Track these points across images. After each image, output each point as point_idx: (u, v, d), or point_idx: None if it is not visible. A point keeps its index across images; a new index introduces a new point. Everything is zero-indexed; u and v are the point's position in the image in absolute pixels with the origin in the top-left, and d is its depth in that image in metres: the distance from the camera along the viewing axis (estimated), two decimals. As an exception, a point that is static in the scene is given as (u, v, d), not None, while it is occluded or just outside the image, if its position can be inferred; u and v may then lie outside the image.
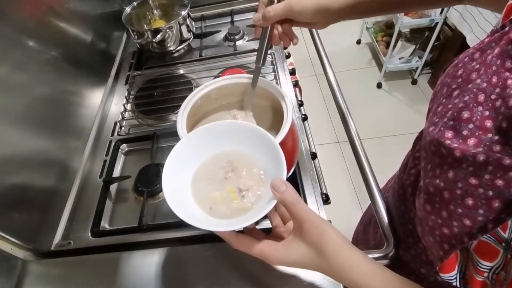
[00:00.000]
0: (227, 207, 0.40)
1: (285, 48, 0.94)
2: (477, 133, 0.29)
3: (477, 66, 0.32)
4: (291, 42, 0.52)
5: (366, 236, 0.70)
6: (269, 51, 0.90)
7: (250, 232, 0.40)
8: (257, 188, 0.40)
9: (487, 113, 0.29)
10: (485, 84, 0.30)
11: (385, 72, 2.12)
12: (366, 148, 0.57)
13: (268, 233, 0.42)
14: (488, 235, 0.29)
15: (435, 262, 0.36)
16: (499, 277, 0.30)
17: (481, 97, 0.30)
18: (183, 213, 0.36)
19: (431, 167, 0.34)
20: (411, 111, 2.04)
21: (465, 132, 0.30)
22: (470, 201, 0.29)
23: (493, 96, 0.29)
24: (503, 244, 0.28)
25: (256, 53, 0.89)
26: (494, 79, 0.29)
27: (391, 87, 2.20)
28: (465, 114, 0.30)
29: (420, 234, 0.39)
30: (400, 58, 2.08)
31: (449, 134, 0.31)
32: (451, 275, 0.36)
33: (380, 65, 2.27)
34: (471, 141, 0.29)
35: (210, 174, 0.43)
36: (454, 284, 0.36)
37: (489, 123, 0.29)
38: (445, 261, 0.34)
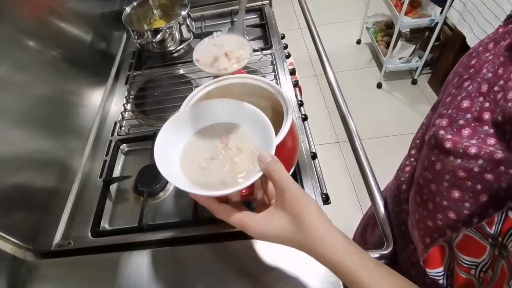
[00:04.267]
0: (216, 177, 0.41)
1: (285, 48, 0.94)
2: (473, 124, 0.28)
3: (491, 57, 0.31)
4: None
5: (363, 238, 0.70)
6: (269, 51, 0.90)
7: (234, 205, 0.39)
8: (249, 163, 0.41)
9: (487, 104, 0.28)
10: (490, 75, 0.29)
11: (385, 72, 2.12)
12: (366, 148, 0.57)
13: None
14: (473, 229, 0.29)
15: (420, 256, 0.36)
16: (486, 276, 0.30)
17: (484, 88, 0.29)
18: (167, 173, 0.37)
19: (423, 159, 0.34)
20: (411, 111, 2.04)
21: (461, 122, 0.29)
22: (456, 194, 0.28)
23: (496, 88, 0.28)
24: (490, 240, 0.28)
25: (255, 53, 0.88)
26: (500, 71, 0.29)
27: (391, 87, 2.19)
28: (465, 103, 0.30)
29: (410, 228, 0.39)
30: (400, 58, 2.08)
31: (444, 122, 0.30)
32: (438, 271, 0.35)
33: (380, 65, 2.27)
34: (466, 132, 0.29)
35: (203, 144, 0.45)
36: (440, 281, 0.36)
37: (487, 115, 0.28)
38: (425, 256, 0.33)
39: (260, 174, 0.36)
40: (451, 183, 0.29)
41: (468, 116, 0.29)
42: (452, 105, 0.32)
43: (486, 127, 0.28)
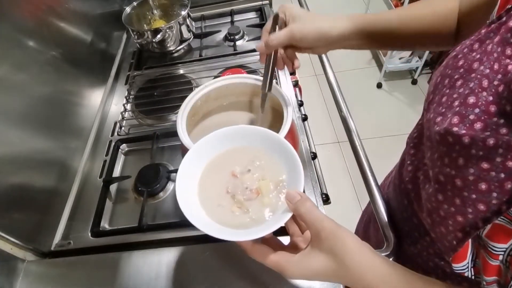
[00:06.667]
0: (242, 216, 0.38)
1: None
2: (483, 117, 0.29)
3: (478, 56, 0.33)
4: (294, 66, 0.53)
5: (366, 234, 0.70)
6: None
7: (266, 241, 0.38)
8: (277, 197, 0.38)
9: (491, 98, 0.30)
10: (488, 71, 0.31)
11: (385, 72, 2.12)
12: (366, 148, 0.57)
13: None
14: (501, 217, 0.29)
15: (447, 253, 0.36)
16: None
17: (485, 83, 0.30)
18: (197, 221, 0.36)
19: (438, 157, 0.34)
20: (411, 111, 2.04)
21: (471, 117, 0.30)
22: (483, 186, 0.29)
23: (495, 82, 0.30)
24: None
25: (256, 52, 0.88)
26: (496, 66, 0.30)
27: (391, 87, 2.19)
28: (471, 99, 0.31)
29: (430, 226, 0.39)
30: (400, 58, 2.08)
31: (455, 119, 0.31)
32: (463, 264, 0.35)
33: (380, 65, 2.27)
34: (478, 125, 0.29)
35: (222, 174, 0.41)
36: (466, 274, 0.36)
37: (493, 108, 0.29)
38: (459, 250, 0.34)
39: (290, 215, 0.34)
40: (477, 176, 0.30)
41: (477, 110, 0.30)
42: (454, 103, 0.33)
43: (495, 119, 0.29)
